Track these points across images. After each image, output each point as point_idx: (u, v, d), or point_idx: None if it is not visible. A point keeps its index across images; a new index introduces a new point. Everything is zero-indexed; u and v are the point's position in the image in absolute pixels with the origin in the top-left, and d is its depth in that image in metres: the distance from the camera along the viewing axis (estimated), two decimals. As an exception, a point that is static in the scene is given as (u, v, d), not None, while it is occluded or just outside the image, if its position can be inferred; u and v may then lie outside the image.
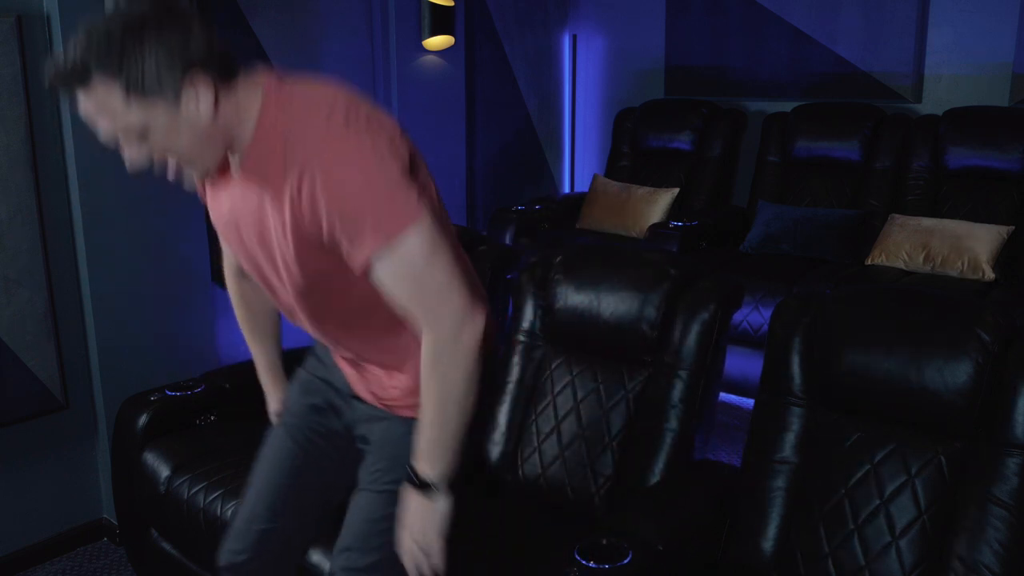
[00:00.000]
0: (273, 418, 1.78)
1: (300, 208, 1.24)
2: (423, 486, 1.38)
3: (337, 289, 1.37)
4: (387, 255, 1.25)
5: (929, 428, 1.74)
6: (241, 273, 1.66)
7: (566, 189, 5.38)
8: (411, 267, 1.26)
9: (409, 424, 1.46)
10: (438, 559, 1.42)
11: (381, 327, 1.43)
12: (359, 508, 1.52)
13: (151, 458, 2.33)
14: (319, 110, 1.24)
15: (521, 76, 5.02)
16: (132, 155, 1.24)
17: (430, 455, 1.37)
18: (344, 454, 1.61)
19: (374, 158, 1.22)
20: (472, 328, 1.30)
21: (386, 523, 1.46)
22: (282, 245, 1.32)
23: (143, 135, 1.21)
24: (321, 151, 1.22)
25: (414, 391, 1.46)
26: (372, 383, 1.53)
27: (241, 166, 1.30)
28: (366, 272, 1.29)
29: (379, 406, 1.54)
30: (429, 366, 1.32)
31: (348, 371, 1.58)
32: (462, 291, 1.29)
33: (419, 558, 1.42)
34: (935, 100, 4.12)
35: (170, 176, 1.31)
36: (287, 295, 1.42)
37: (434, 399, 1.34)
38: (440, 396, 1.33)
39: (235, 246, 1.44)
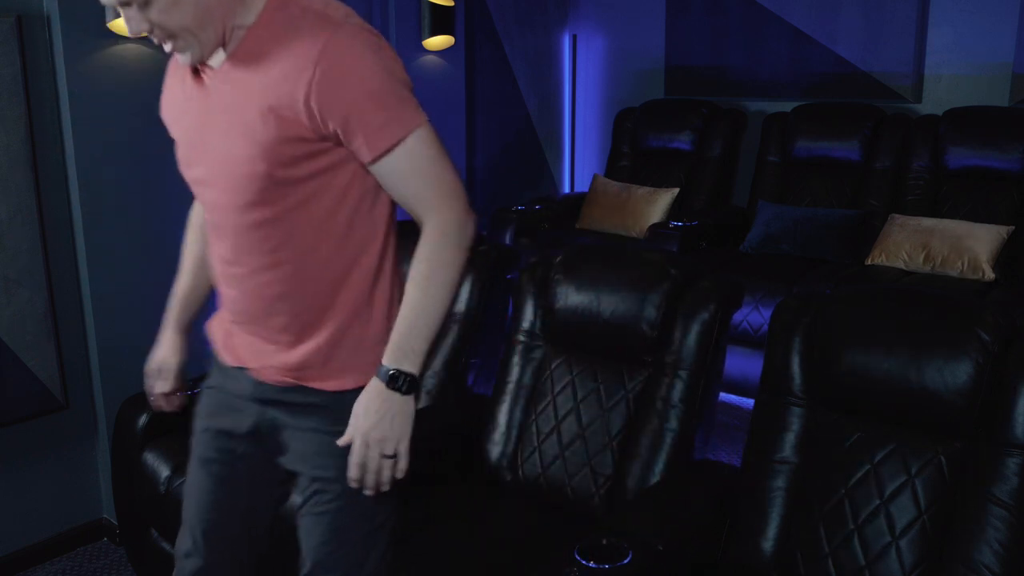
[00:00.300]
0: (150, 365, 1.69)
1: (308, 96, 1.25)
2: (402, 379, 1.33)
3: (290, 207, 1.33)
4: (400, 151, 1.30)
5: (929, 428, 1.74)
6: None
7: (566, 189, 5.38)
8: (422, 163, 1.32)
9: (322, 418, 1.41)
10: (406, 462, 1.37)
11: (315, 272, 1.38)
12: (308, 534, 1.48)
13: (151, 458, 2.33)
14: (336, 12, 1.30)
15: (521, 76, 5.02)
16: (132, 23, 1.26)
17: (409, 346, 1.34)
18: (257, 473, 1.55)
19: (388, 60, 1.30)
20: (473, 223, 1.38)
21: (337, 540, 1.44)
22: (253, 139, 1.29)
23: (144, 3, 1.23)
24: (339, 44, 1.25)
25: (333, 347, 1.40)
26: (275, 354, 1.43)
27: (234, 51, 1.31)
28: (368, 165, 1.32)
29: (290, 380, 1.43)
30: (434, 247, 1.35)
31: (248, 347, 1.48)
32: (464, 192, 1.37)
33: (383, 467, 1.35)
34: (935, 100, 4.12)
35: (167, 49, 1.31)
36: (229, 209, 1.37)
37: (429, 282, 1.34)
38: (437, 278, 1.35)
39: (192, 152, 1.41)
